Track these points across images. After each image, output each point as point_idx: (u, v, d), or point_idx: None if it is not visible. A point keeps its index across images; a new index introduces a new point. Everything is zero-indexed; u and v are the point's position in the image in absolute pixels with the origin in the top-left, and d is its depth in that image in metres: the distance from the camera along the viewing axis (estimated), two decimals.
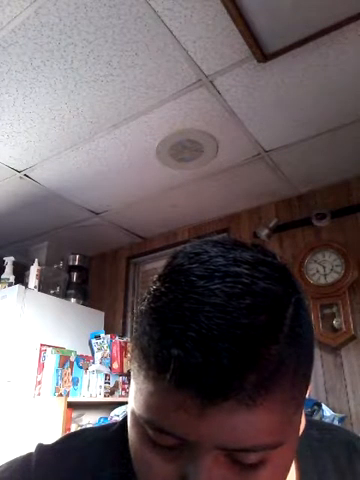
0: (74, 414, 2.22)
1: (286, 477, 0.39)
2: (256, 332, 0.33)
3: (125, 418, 0.51)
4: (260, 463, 0.35)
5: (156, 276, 0.41)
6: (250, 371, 0.32)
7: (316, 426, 0.56)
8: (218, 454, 0.34)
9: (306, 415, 0.44)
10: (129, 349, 0.42)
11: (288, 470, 0.39)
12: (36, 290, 2.54)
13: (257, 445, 0.34)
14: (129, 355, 0.43)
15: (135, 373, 0.38)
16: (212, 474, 0.34)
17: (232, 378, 0.32)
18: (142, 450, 0.38)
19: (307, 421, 0.45)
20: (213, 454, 0.34)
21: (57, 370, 2.18)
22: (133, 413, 0.39)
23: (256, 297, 0.34)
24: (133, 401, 0.39)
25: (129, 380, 2.52)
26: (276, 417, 0.34)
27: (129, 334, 2.88)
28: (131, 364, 0.41)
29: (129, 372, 2.51)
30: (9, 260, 2.66)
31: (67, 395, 2.15)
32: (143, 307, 0.38)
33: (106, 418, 2.36)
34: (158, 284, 0.38)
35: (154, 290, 0.38)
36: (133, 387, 0.39)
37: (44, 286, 2.67)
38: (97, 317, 2.86)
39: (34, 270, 2.62)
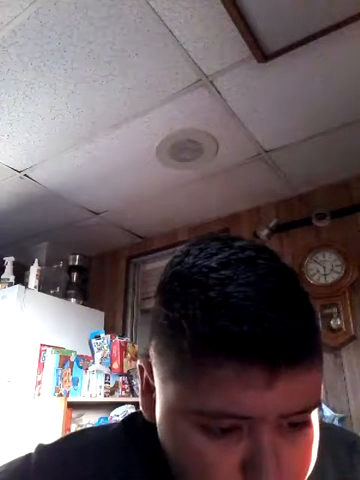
0: (74, 414, 2.22)
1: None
2: (299, 303, 0.37)
3: (125, 418, 0.51)
4: (306, 422, 0.38)
5: (167, 280, 0.41)
6: (309, 336, 0.36)
7: None
8: (277, 423, 0.36)
9: None
10: (154, 353, 0.40)
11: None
12: (36, 290, 2.54)
13: (312, 404, 0.37)
14: (155, 357, 0.42)
15: (177, 369, 0.38)
16: (275, 445, 0.35)
17: (298, 345, 0.35)
18: (191, 443, 0.37)
19: None
20: (273, 425, 0.36)
21: (57, 370, 2.18)
22: (173, 411, 0.39)
23: (278, 274, 0.38)
24: (175, 399, 0.38)
25: (129, 380, 2.52)
26: (320, 375, 0.38)
27: (130, 334, 2.88)
28: (163, 364, 0.40)
29: (129, 372, 2.52)
30: (9, 260, 2.66)
31: (67, 395, 2.15)
32: (180, 305, 0.38)
33: (106, 418, 2.36)
34: (178, 283, 0.39)
35: (182, 288, 0.38)
36: (174, 386, 0.38)
37: (44, 286, 2.66)
38: (97, 317, 2.85)
39: (34, 270, 2.61)
